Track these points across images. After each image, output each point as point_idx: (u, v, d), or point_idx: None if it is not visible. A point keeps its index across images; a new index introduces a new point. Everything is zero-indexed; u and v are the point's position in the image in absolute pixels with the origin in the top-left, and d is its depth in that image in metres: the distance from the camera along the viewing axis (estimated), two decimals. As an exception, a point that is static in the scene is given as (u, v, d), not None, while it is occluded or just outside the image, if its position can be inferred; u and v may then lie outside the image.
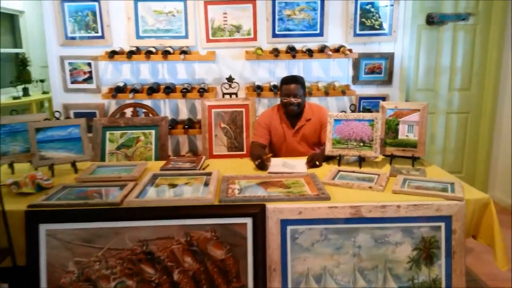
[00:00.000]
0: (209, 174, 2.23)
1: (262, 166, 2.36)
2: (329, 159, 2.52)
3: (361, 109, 3.59)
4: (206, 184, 2.08)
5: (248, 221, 1.82)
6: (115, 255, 1.79)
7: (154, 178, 2.18)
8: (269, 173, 2.31)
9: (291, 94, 2.66)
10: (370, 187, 2.01)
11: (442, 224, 1.87)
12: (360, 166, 2.38)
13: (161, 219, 1.81)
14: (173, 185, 2.08)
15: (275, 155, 2.84)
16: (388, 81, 3.60)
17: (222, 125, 3.27)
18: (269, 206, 1.83)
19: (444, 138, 3.92)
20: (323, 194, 1.90)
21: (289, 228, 1.83)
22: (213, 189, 1.96)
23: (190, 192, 1.99)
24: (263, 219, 1.82)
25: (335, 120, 2.48)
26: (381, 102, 2.52)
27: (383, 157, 2.52)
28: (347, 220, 1.84)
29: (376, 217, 1.84)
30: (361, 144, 2.41)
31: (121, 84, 3.35)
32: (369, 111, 3.57)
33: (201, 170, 2.36)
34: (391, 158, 2.45)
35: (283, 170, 2.33)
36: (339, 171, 2.28)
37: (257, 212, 1.82)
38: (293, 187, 2.02)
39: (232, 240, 1.82)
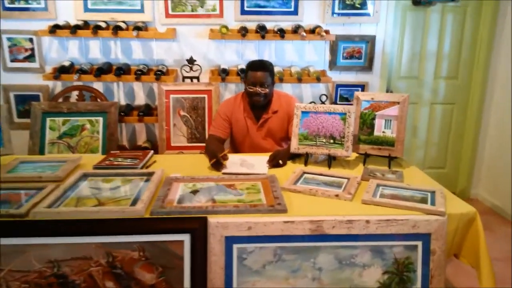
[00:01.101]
0: (151, 174, 1.89)
1: (217, 166, 2.02)
2: (295, 156, 2.19)
3: (337, 98, 3.26)
4: (144, 188, 1.73)
5: (186, 238, 1.49)
6: (18, 278, 1.45)
7: (82, 179, 1.82)
8: (224, 173, 1.98)
9: (258, 83, 2.31)
10: (337, 195, 1.70)
11: (419, 244, 1.56)
12: (330, 167, 2.06)
13: (77, 235, 1.46)
14: (101, 190, 1.73)
15: (237, 151, 2.51)
16: (368, 67, 3.26)
17: (182, 113, 2.91)
18: (212, 220, 1.50)
19: (427, 131, 3.63)
20: (279, 205, 1.57)
21: (235, 246, 1.51)
22: (146, 197, 1.61)
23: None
24: (204, 235, 1.49)
25: (303, 112, 2.15)
26: (356, 93, 2.19)
27: (357, 155, 2.20)
28: (306, 238, 1.52)
29: (341, 234, 1.53)
30: (331, 141, 2.08)
31: (66, 64, 2.94)
32: (346, 100, 3.25)
33: (143, 170, 2.01)
34: (365, 157, 2.14)
35: (240, 171, 1.99)
36: (304, 173, 1.95)
37: (197, 227, 1.49)
38: (246, 195, 1.69)
39: (165, 261, 1.49)
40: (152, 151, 2.26)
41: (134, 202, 1.58)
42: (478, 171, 3.60)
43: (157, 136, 3.05)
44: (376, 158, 2.14)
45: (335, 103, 3.24)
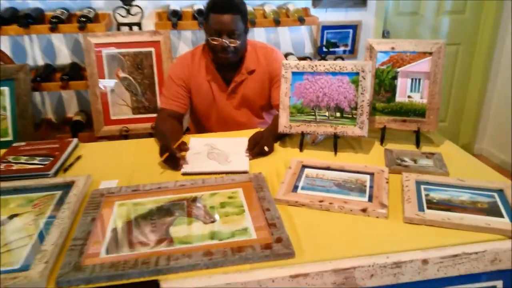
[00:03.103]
0: (68, 186, 1.20)
1: (171, 162, 1.35)
2: (284, 136, 1.55)
3: (323, 44, 2.57)
4: (52, 218, 1.05)
5: (123, 321, 0.85)
6: None
7: None
8: (184, 174, 1.32)
9: (224, 32, 1.57)
10: (364, 210, 1.08)
11: (499, 284, 1.01)
12: (336, 152, 1.43)
13: None
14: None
15: (200, 129, 1.83)
16: (362, 2, 2.56)
17: (121, 75, 2.15)
18: (167, 285, 0.86)
19: (426, 78, 3.05)
20: (281, 243, 0.95)
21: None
22: (52, 244, 0.94)
23: (10, 248, 0.96)
24: (156, 312, 0.86)
25: (294, 73, 1.47)
26: (369, 41, 1.52)
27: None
28: (327, 296, 0.92)
29: (384, 286, 0.94)
30: (338, 114, 1.44)
31: None
32: (335, 46, 2.57)
33: (57, 178, 1.31)
34: (383, 133, 1.52)
35: (208, 169, 1.33)
36: (304, 166, 1.32)
37: (141, 301, 0.85)
38: (222, 221, 1.05)
39: None
40: (75, 140, 1.55)
41: (27, 261, 0.91)
42: (483, 123, 3.10)
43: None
44: (393, 131, 1.53)
45: (320, 50, 2.55)
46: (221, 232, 1.00)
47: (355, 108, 1.42)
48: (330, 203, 1.11)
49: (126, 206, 1.12)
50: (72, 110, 2.49)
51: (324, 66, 1.44)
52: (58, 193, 1.19)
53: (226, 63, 1.65)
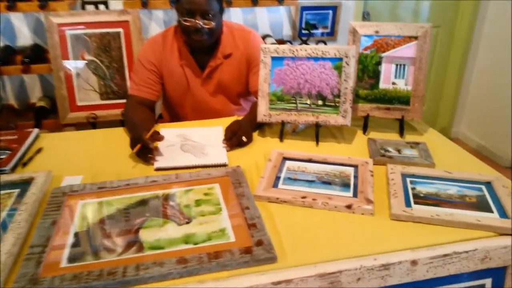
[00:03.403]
0: (27, 184, 1.09)
1: (143, 154, 1.24)
2: (263, 125, 1.47)
3: (302, 27, 2.47)
4: (7, 221, 0.95)
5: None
6: None
7: None
8: (157, 170, 1.22)
9: (198, 12, 1.45)
10: (349, 206, 1.02)
11: (487, 282, 0.97)
12: (318, 142, 1.36)
13: None
14: None
15: (174, 117, 1.73)
16: (342, -18, 2.47)
17: (87, 57, 2.01)
18: (137, 298, 0.78)
19: (405, 61, 3.00)
20: (262, 247, 0.87)
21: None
22: (7, 252, 0.83)
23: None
24: (125, 328, 0.78)
25: (274, 58, 1.38)
26: (352, 24, 1.44)
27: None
28: (311, 302, 0.86)
29: (371, 289, 0.89)
30: (320, 102, 1.37)
31: None
32: (314, 28, 2.48)
33: (15, 174, 1.20)
34: (366, 121, 1.46)
35: (182, 163, 1.24)
36: (284, 158, 1.24)
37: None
38: (198, 221, 0.97)
39: None
40: (35, 130, 1.42)
41: (-24, 274, 0.80)
42: (461, 106, 3.10)
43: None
44: (376, 119, 1.47)
45: (300, 33, 2.45)
46: (196, 235, 0.92)
47: (338, 96, 1.35)
48: (313, 199, 1.04)
49: (91, 207, 1.02)
50: (35, 96, 2.33)
51: (305, 50, 1.35)
52: (15, 191, 1.08)
53: (200, 46, 1.53)
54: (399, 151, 1.30)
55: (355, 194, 1.07)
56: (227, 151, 1.31)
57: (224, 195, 1.07)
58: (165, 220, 0.97)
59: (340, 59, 1.33)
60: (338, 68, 1.34)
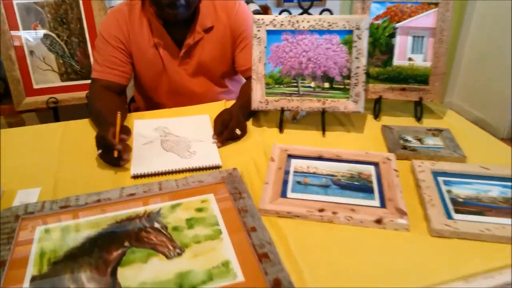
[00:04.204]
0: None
1: (111, 158, 1.00)
2: (257, 112, 1.24)
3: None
4: None
5: None
6: None
7: None
8: (134, 177, 0.98)
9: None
10: (378, 221, 0.83)
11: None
12: (324, 132, 1.15)
13: None
14: None
15: (148, 104, 1.47)
16: None
17: (42, 31, 1.70)
18: None
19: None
20: (278, 289, 0.67)
21: None
22: None
23: None
24: None
25: (270, 32, 1.13)
26: (362, -12, 1.20)
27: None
28: None
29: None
30: (326, 85, 1.15)
31: None
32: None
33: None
34: (376, 104, 1.25)
35: (164, 167, 1.00)
36: (289, 156, 1.03)
37: None
38: (191, 252, 0.75)
39: None
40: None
41: None
42: (454, 75, 2.94)
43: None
44: (386, 100, 1.27)
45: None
46: (193, 273, 0.71)
47: (348, 77, 1.13)
48: (334, 213, 0.84)
49: (52, 234, 0.79)
50: (-18, 78, 1.99)
51: (308, 22, 1.11)
52: (-51, 217, 0.83)
53: (175, 20, 1.26)
54: (420, 140, 1.11)
55: (382, 203, 0.87)
56: (218, 147, 1.08)
57: (222, 210, 0.85)
58: (149, 251, 0.76)
59: (350, 31, 1.10)
60: (348, 43, 1.11)
